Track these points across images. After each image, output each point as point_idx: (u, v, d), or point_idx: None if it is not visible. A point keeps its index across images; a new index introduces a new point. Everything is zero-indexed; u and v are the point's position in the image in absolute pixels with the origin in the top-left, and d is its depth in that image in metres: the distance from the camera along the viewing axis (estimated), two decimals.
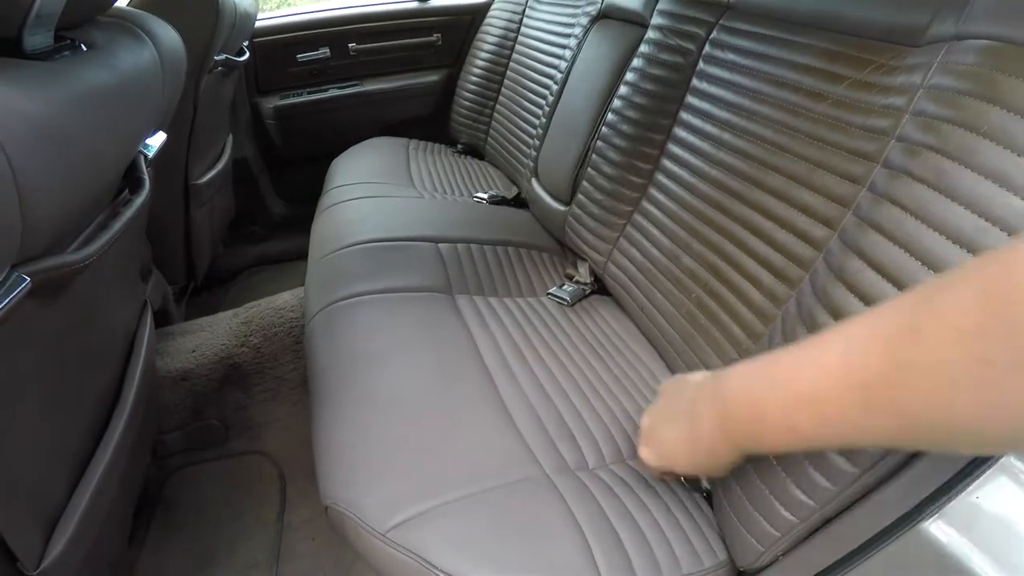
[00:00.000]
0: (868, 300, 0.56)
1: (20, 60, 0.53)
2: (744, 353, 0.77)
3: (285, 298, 1.62)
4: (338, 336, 0.94)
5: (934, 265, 0.51)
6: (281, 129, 2.00)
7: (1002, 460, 0.44)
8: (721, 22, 0.95)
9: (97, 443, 0.76)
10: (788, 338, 0.66)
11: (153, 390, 1.06)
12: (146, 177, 0.80)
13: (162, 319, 1.53)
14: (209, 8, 1.21)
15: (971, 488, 0.45)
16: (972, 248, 0.49)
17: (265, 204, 2.11)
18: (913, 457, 0.49)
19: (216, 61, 1.34)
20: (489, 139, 1.85)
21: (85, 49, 0.64)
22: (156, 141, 0.86)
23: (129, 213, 0.74)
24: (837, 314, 0.59)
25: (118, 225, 0.70)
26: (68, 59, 0.59)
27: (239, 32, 1.45)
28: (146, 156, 0.82)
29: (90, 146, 0.60)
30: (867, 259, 0.57)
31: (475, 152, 1.96)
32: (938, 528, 0.46)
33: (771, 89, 0.82)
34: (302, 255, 1.41)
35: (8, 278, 0.47)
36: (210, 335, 1.50)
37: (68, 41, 0.63)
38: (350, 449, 0.73)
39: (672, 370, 0.93)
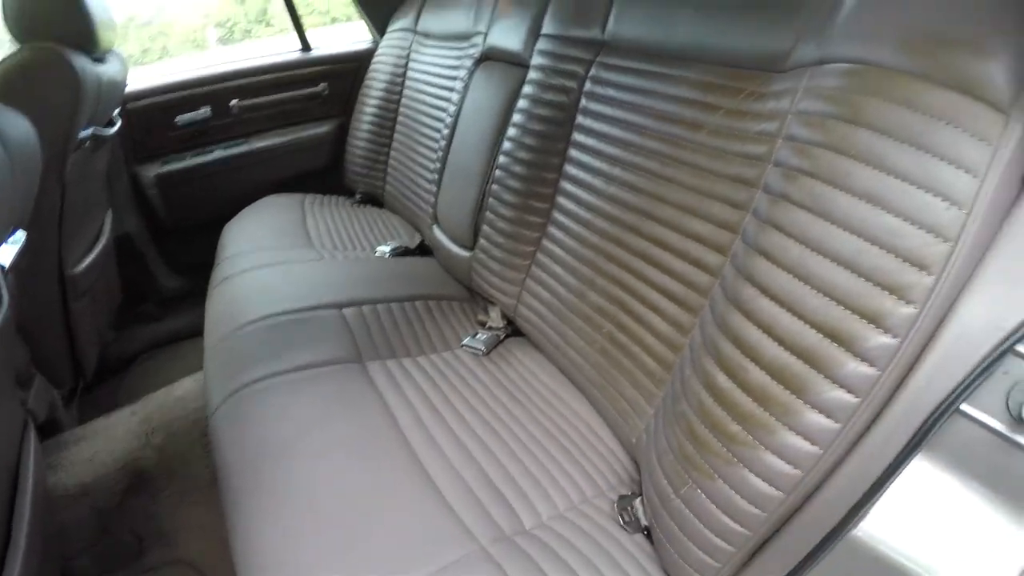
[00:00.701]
0: (767, 328, 0.57)
1: None
2: (659, 384, 0.76)
3: (186, 386, 1.49)
4: (245, 427, 0.86)
5: (823, 289, 0.52)
6: (165, 198, 1.87)
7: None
8: (598, 59, 0.97)
9: None
10: (696, 368, 0.66)
11: (49, 515, 0.94)
12: (3, 293, 0.71)
13: (51, 428, 1.38)
14: (68, 84, 1.11)
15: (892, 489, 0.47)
16: (855, 270, 0.50)
17: (155, 280, 1.95)
18: (832, 473, 0.51)
19: (82, 138, 1.23)
20: (387, 187, 1.81)
21: None
22: (14, 245, 0.76)
23: None
24: (739, 343, 0.59)
25: None
26: None
27: (107, 103, 1.34)
28: (2, 267, 0.73)
29: None
30: (759, 286, 0.58)
31: (374, 201, 1.91)
32: (869, 532, 0.49)
33: (652, 122, 0.84)
34: (201, 331, 1.31)
35: None
36: (107, 440, 1.36)
37: None
38: (272, 552, 0.66)
39: (595, 407, 0.92)
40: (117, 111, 1.54)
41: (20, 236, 0.78)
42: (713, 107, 0.74)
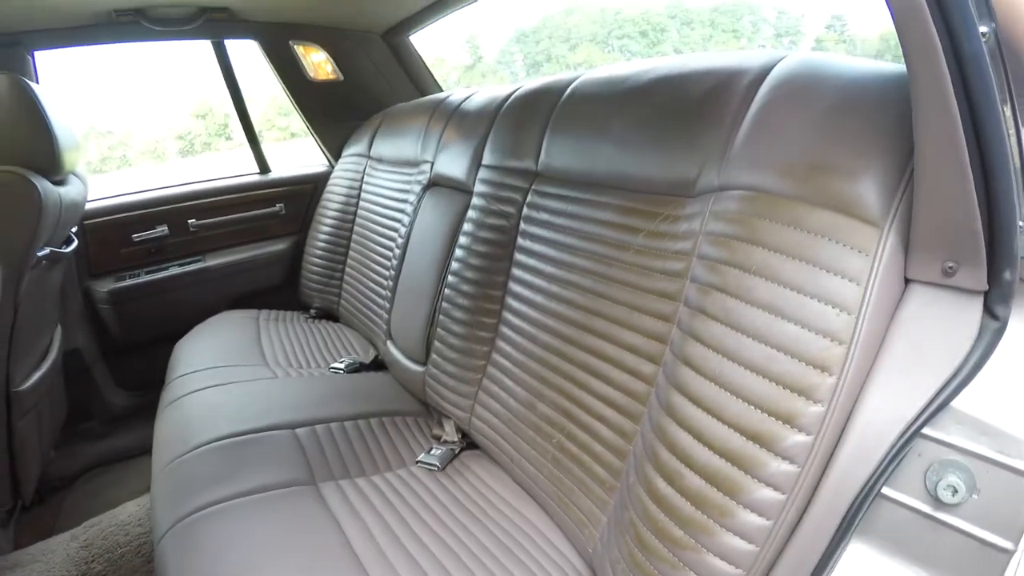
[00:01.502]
0: (697, 434, 0.62)
1: None
2: (609, 492, 0.79)
3: (130, 510, 1.42)
4: (192, 556, 0.83)
5: (741, 395, 0.58)
6: (118, 313, 1.86)
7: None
8: (533, 187, 1.07)
9: None
10: (639, 475, 0.70)
11: None
12: None
13: None
14: (31, 206, 1.14)
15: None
16: (767, 375, 0.57)
17: (102, 396, 1.89)
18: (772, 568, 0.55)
19: (39, 257, 1.24)
20: (342, 302, 1.86)
21: None
22: None
23: None
24: (674, 449, 0.64)
25: None
26: None
27: (66, 222, 1.37)
28: None
29: None
30: (687, 394, 0.64)
31: (330, 316, 1.94)
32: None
33: (584, 243, 0.92)
34: (148, 449, 1.27)
35: None
36: (45, 566, 1.27)
37: None
38: None
39: (551, 517, 0.93)
40: (74, 229, 1.57)
41: None
42: (636, 229, 0.83)
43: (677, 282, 0.74)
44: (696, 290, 0.68)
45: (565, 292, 0.94)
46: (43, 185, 1.17)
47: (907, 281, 0.55)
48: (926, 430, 0.50)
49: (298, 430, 1.15)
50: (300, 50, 1.98)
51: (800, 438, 0.54)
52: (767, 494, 0.56)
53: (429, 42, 1.94)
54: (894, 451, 0.51)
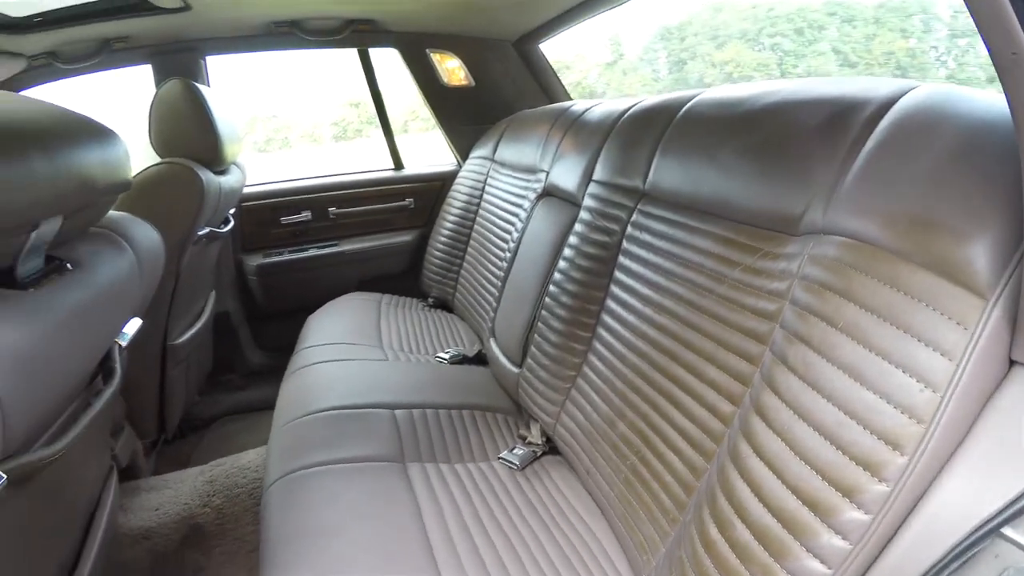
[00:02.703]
0: (755, 487, 0.60)
1: (9, 292, 0.61)
2: (672, 523, 0.79)
3: (250, 456, 1.63)
4: (291, 508, 0.95)
5: (805, 457, 0.56)
6: (263, 285, 2.12)
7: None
8: (639, 207, 1.08)
9: None
10: (696, 516, 0.69)
11: (113, 550, 1.05)
12: (118, 367, 0.86)
13: (130, 473, 1.53)
14: (194, 194, 1.35)
15: None
16: (835, 442, 0.54)
17: (244, 354, 2.17)
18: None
19: (199, 235, 1.47)
20: (457, 294, 1.97)
21: (71, 268, 0.72)
22: (132, 327, 0.93)
23: (99, 404, 0.79)
24: (731, 497, 0.63)
25: (87, 418, 0.75)
26: (53, 285, 0.67)
27: (224, 207, 1.60)
28: (121, 345, 0.89)
29: (66, 364, 0.67)
30: (753, 444, 0.62)
31: (444, 305, 2.06)
32: None
33: (681, 270, 0.91)
34: (274, 405, 1.45)
35: None
36: (174, 493, 1.50)
37: (57, 262, 0.71)
38: None
39: (616, 536, 0.94)
40: (232, 211, 1.81)
41: (136, 322, 0.94)
42: (733, 262, 0.81)
43: (767, 324, 0.71)
44: (783, 336, 0.66)
45: (658, 317, 0.94)
46: (206, 176, 1.37)
47: (1012, 363, 0.49)
48: (1007, 530, 0.45)
49: (397, 411, 1.25)
50: (435, 57, 2.12)
51: (858, 515, 0.51)
52: (813, 566, 0.53)
53: (570, 38, 1.97)
54: (964, 546, 0.46)
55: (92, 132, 0.70)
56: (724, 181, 0.88)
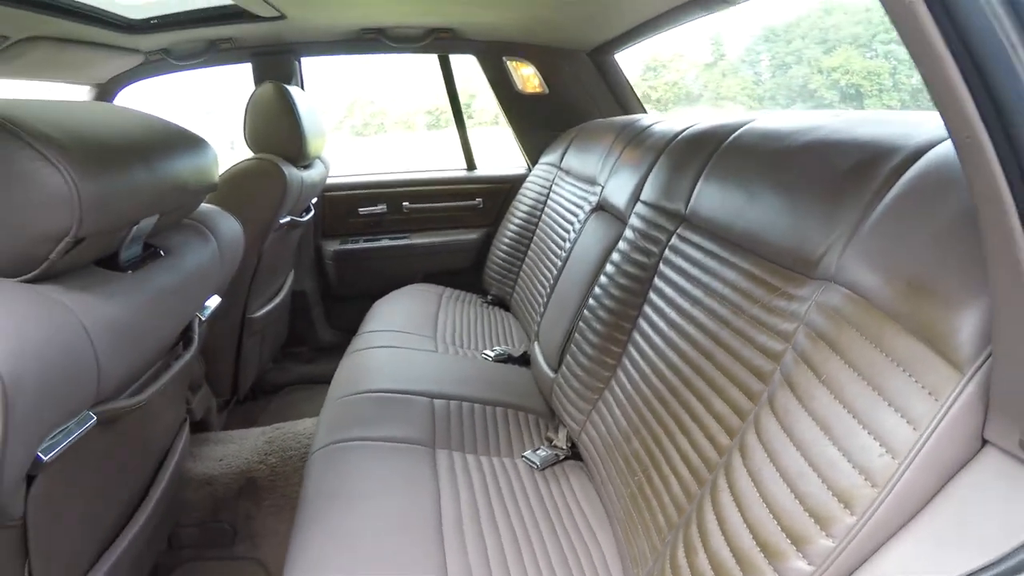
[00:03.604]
0: (721, 520, 0.63)
1: (112, 273, 0.74)
2: (661, 542, 0.82)
3: (306, 424, 1.79)
4: (329, 474, 1.07)
5: (767, 500, 0.58)
6: (338, 269, 2.30)
7: None
8: (678, 231, 1.10)
9: (123, 527, 0.91)
10: (673, 537, 0.73)
11: (178, 490, 1.21)
12: (196, 337, 1.00)
13: (202, 426, 1.74)
14: (277, 188, 1.51)
15: None
16: (794, 490, 0.55)
17: (315, 331, 2.36)
18: None
19: (281, 223, 1.63)
20: (514, 294, 2.04)
21: (163, 255, 0.85)
22: (212, 303, 1.07)
23: (178, 366, 0.93)
24: (700, 524, 0.66)
25: (167, 377, 0.89)
26: (148, 269, 0.80)
27: (306, 198, 1.76)
28: (200, 319, 1.03)
29: (154, 333, 0.81)
30: (729, 478, 0.65)
31: (502, 303, 2.14)
32: None
33: (707, 298, 0.94)
34: None
35: (82, 417, 0.66)
36: (237, 448, 1.68)
37: (152, 249, 0.84)
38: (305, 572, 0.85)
39: (618, 548, 0.98)
40: (315, 200, 1.98)
41: (216, 299, 1.08)
42: (753, 298, 0.82)
43: (771, 363, 0.73)
44: (778, 378, 0.68)
45: (680, 342, 0.96)
46: (290, 171, 1.52)
47: (984, 442, 0.48)
48: None
49: (435, 400, 1.35)
50: (511, 65, 2.19)
51: (802, 565, 0.52)
52: None
53: (669, 37, 1.95)
54: None
55: (186, 141, 0.83)
56: (756, 215, 0.89)
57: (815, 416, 0.57)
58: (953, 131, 0.38)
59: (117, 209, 0.67)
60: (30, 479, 0.63)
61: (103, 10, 1.46)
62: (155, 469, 1.04)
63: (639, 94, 2.25)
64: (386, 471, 1.08)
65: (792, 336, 0.70)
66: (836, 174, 0.75)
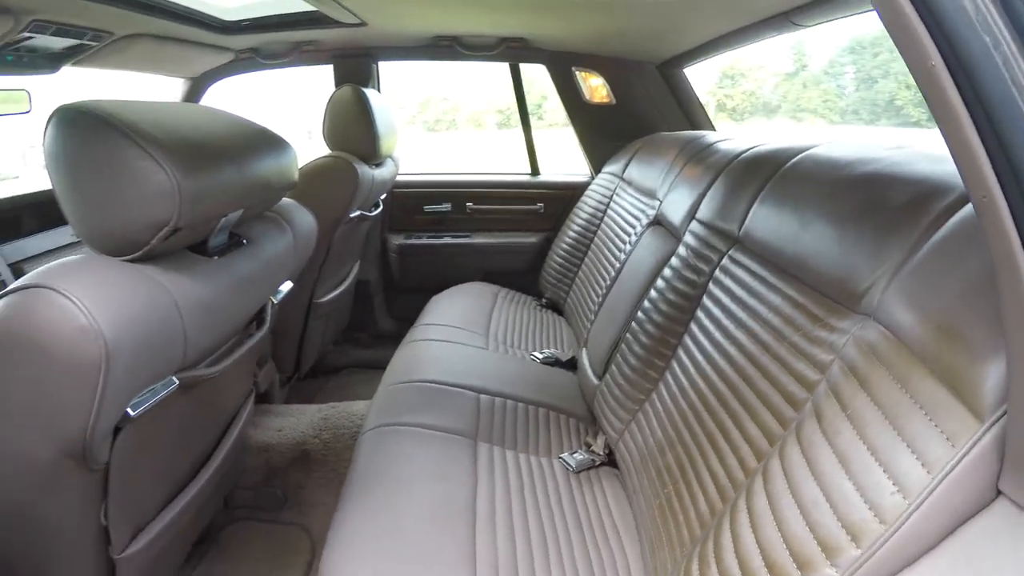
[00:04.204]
0: (735, 537, 0.65)
1: (202, 258, 0.83)
2: (683, 555, 0.85)
3: (360, 406, 1.90)
4: (375, 454, 1.15)
5: (780, 526, 0.60)
6: (401, 262, 2.42)
7: None
8: (729, 253, 1.11)
9: (188, 483, 1.02)
10: (690, 553, 0.75)
11: (240, 453, 1.33)
12: (268, 318, 1.10)
13: (265, 398, 1.88)
14: (349, 185, 1.61)
15: None
16: (807, 518, 0.57)
17: (375, 318, 2.49)
18: None
19: (350, 217, 1.73)
20: (568, 299, 2.08)
21: (245, 243, 0.95)
22: (285, 287, 1.17)
23: (251, 343, 1.03)
24: (717, 540, 0.68)
25: (241, 352, 0.99)
26: (232, 255, 0.89)
27: (375, 195, 1.87)
28: (273, 302, 1.13)
29: (233, 313, 0.91)
30: (748, 500, 0.67)
31: (556, 307, 2.19)
32: None
33: (751, 322, 0.95)
34: None
35: (166, 381, 0.76)
36: (295, 421, 1.81)
37: (236, 238, 0.94)
38: (349, 546, 0.93)
39: (642, 559, 1.01)
40: (383, 196, 2.09)
41: (288, 284, 1.18)
42: (796, 326, 0.83)
43: (805, 392, 0.74)
44: (809, 408, 0.69)
45: (721, 362, 0.98)
46: (362, 169, 1.62)
47: (998, 492, 0.49)
48: None
49: (482, 396, 1.41)
50: (580, 75, 2.23)
51: None
52: None
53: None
54: None
55: (270, 143, 0.92)
56: (807, 243, 0.89)
57: (836, 449, 0.59)
58: (971, 190, 0.40)
59: (210, 203, 0.76)
60: (116, 431, 0.73)
61: (199, 11, 1.61)
62: (221, 433, 1.15)
63: (714, 102, 2.24)
64: (429, 457, 1.15)
65: (828, 368, 0.71)
66: (889, 209, 0.76)
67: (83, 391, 0.61)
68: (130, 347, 0.64)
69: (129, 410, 0.70)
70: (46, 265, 0.64)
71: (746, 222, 1.09)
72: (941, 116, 0.39)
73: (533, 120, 2.41)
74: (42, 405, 0.63)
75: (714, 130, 2.10)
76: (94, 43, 1.49)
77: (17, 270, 1.48)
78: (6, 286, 1.42)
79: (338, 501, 1.04)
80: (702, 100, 2.21)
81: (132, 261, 0.71)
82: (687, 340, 1.13)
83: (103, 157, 0.66)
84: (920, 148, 0.89)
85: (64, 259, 0.66)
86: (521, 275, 2.41)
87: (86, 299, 0.60)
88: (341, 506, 1.02)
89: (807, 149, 1.07)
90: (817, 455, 0.61)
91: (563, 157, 2.62)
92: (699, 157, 1.48)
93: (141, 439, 0.79)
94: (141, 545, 0.86)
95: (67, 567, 0.78)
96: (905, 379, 0.56)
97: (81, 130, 0.67)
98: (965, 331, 0.53)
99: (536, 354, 1.76)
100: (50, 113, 0.70)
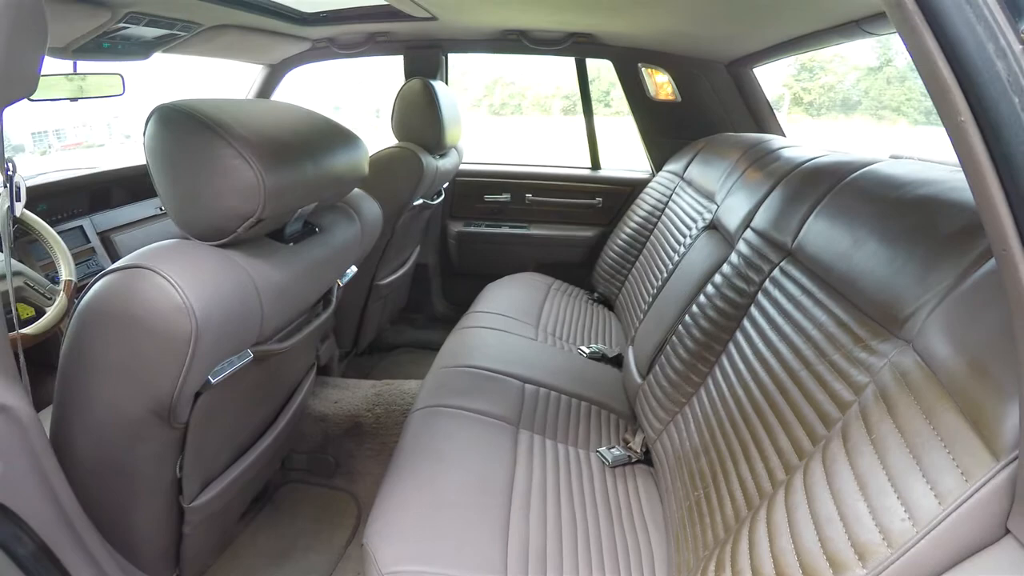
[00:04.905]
0: (752, 546, 0.68)
1: (279, 244, 0.92)
2: (707, 559, 0.88)
3: (411, 385, 2.00)
4: (422, 433, 1.23)
5: (795, 539, 0.63)
6: (459, 249, 2.50)
7: None
8: (781, 265, 1.11)
9: (252, 445, 1.13)
10: (709, 556, 0.78)
11: (299, 421, 1.45)
12: (334, 299, 1.19)
13: (325, 371, 2.02)
14: (414, 175, 1.69)
15: None
16: (820, 533, 0.60)
17: (432, 301, 2.59)
18: None
19: (414, 205, 1.82)
20: (620, 296, 2.10)
21: (318, 231, 1.03)
22: (351, 271, 1.26)
23: (318, 322, 1.12)
24: (735, 547, 0.71)
25: (309, 329, 1.08)
26: (305, 242, 0.98)
27: (438, 184, 1.94)
28: (339, 284, 1.22)
29: (305, 294, 1.00)
30: (769, 510, 0.70)
31: (607, 302, 2.21)
32: None
33: (795, 336, 0.95)
34: None
35: (243, 354, 0.86)
36: (351, 395, 1.93)
37: (310, 226, 1.02)
38: (393, 515, 1.00)
39: (668, 560, 1.04)
40: (446, 185, 2.16)
41: (353, 269, 1.26)
42: (838, 344, 0.83)
43: (838, 411, 0.75)
44: (838, 427, 0.71)
45: (762, 373, 0.99)
46: (426, 160, 1.70)
47: (1007, 531, 0.50)
48: None
49: (527, 385, 1.46)
50: (646, 71, 2.21)
51: None
52: None
53: None
54: None
55: (344, 139, 0.99)
56: (857, 261, 0.89)
57: (856, 471, 0.61)
58: (992, 241, 0.42)
59: (289, 197, 0.84)
60: (197, 395, 0.82)
61: (280, 3, 1.72)
62: (284, 401, 1.26)
63: (790, 95, 2.18)
64: (472, 439, 1.21)
65: (863, 390, 0.72)
66: (941, 234, 0.75)
67: (174, 360, 0.71)
68: (216, 324, 0.72)
69: (210, 378, 0.79)
70: (145, 247, 0.74)
71: (800, 235, 1.09)
72: (968, 169, 0.40)
73: (600, 108, 2.41)
74: (137, 370, 0.72)
75: (782, 134, 2.05)
76: (183, 33, 1.62)
77: (105, 239, 1.64)
78: (95, 252, 1.59)
79: (385, 473, 1.13)
80: (778, 92, 2.16)
81: (220, 246, 0.80)
82: (731, 348, 1.14)
83: (198, 154, 0.75)
84: None
85: (161, 243, 0.76)
86: (575, 268, 2.44)
87: (181, 280, 0.69)
88: (388, 476, 1.11)
89: (868, 164, 1.06)
90: (837, 473, 0.63)
91: (628, 146, 2.61)
92: (762, 163, 1.47)
93: (217, 403, 0.88)
94: (208, 497, 0.97)
95: (144, 511, 0.89)
96: (931, 410, 0.57)
97: (178, 128, 0.76)
98: (994, 369, 0.53)
99: (583, 348, 1.79)
100: (149, 111, 0.78)
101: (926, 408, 0.58)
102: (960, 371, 0.57)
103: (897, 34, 0.42)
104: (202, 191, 0.76)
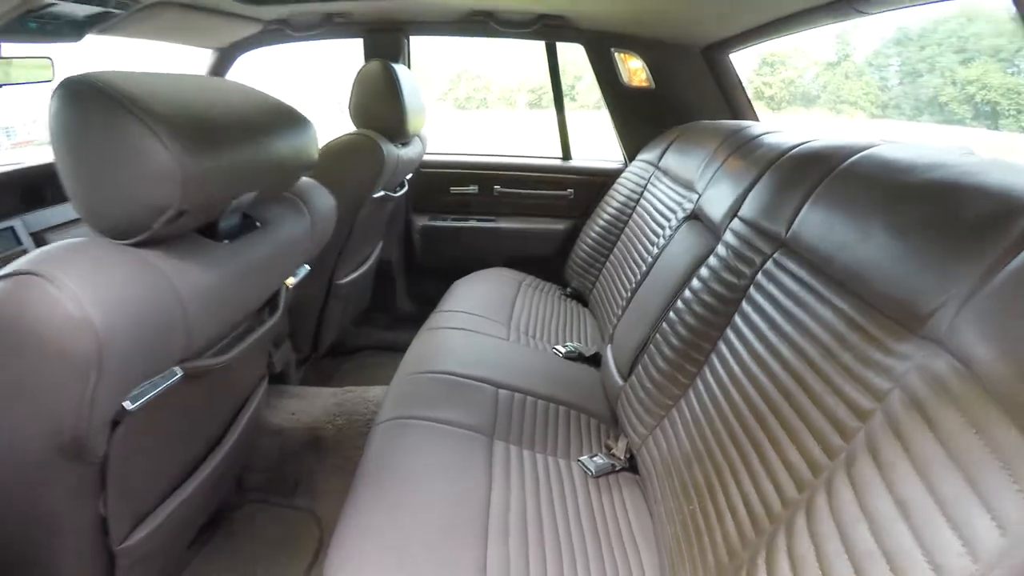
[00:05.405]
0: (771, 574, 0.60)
1: (210, 242, 0.79)
2: None
3: (375, 392, 1.87)
4: (388, 447, 1.11)
5: (824, 572, 0.55)
6: (424, 244, 2.37)
7: None
8: (774, 256, 1.03)
9: (194, 470, 0.99)
10: None
11: (252, 437, 1.31)
12: (282, 304, 1.06)
13: (280, 379, 1.86)
14: (373, 164, 1.56)
15: None
16: (858, 569, 0.52)
17: (396, 300, 2.46)
18: None
19: (374, 197, 1.68)
20: (594, 291, 2.01)
21: (259, 226, 0.90)
22: (301, 271, 1.12)
23: (263, 330, 0.99)
24: (751, 573, 0.63)
25: (253, 338, 0.95)
26: (244, 239, 0.84)
27: (400, 174, 1.81)
28: (288, 286, 1.09)
29: (243, 300, 0.87)
30: (789, 536, 0.62)
31: (581, 298, 2.12)
32: None
33: (796, 335, 0.87)
34: None
35: (168, 372, 0.73)
36: (309, 405, 1.79)
37: (249, 220, 0.89)
38: (356, 542, 0.89)
39: (659, 569, 0.96)
40: (409, 176, 2.03)
41: (305, 268, 1.13)
42: (849, 345, 0.76)
43: (856, 421, 0.67)
44: (862, 441, 0.62)
45: (760, 376, 0.91)
46: (387, 148, 1.57)
47: None
48: None
49: (500, 390, 1.36)
50: (619, 57, 2.12)
51: None
52: None
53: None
54: None
55: (288, 120, 0.86)
56: (864, 253, 0.82)
57: (895, 494, 0.53)
58: None
59: (218, 185, 0.71)
60: (115, 424, 0.69)
61: None
62: (232, 417, 1.12)
63: (752, 90, 2.12)
64: (443, 453, 1.10)
65: (885, 397, 0.64)
66: (961, 223, 0.68)
67: (75, 384, 0.58)
68: (125, 338, 0.59)
69: (127, 403, 0.66)
70: (40, 248, 0.60)
71: (794, 224, 1.01)
72: None
73: (565, 101, 2.32)
74: (33, 398, 0.59)
75: (758, 120, 1.99)
76: (119, 11, 1.45)
77: (39, 239, 1.47)
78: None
79: (349, 492, 1.01)
80: None
81: (133, 246, 0.67)
82: (722, 346, 1.06)
83: (104, 132, 0.62)
84: (993, 158, 0.80)
85: (61, 242, 0.62)
86: (546, 263, 2.34)
87: (79, 288, 0.56)
88: (349, 500, 0.99)
89: (865, 148, 0.99)
90: (872, 499, 0.55)
91: (595, 140, 2.53)
92: (745, 150, 1.39)
93: (143, 430, 0.75)
94: (141, 536, 0.84)
95: (63, 559, 0.75)
96: (980, 423, 0.49)
97: (83, 102, 0.63)
98: None
99: (559, 347, 1.70)
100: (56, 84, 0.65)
101: (975, 421, 0.50)
102: (1011, 376, 0.49)
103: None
104: (109, 179, 0.63)
